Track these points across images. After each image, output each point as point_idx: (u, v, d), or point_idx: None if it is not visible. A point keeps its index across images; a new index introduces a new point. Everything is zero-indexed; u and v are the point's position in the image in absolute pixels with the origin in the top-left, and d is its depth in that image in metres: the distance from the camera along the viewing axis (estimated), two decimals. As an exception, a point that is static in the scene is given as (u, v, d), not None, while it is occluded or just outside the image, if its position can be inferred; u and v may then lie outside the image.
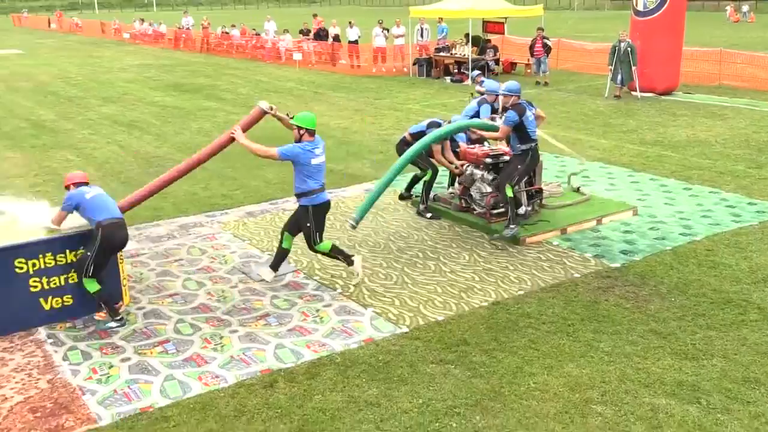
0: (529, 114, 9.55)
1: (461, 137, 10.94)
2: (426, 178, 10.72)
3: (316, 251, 8.51)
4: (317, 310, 7.81)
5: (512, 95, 9.63)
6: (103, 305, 7.56)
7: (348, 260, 8.48)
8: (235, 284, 8.55)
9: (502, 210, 10.06)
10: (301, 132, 8.16)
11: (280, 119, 8.62)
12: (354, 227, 9.10)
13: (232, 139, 8.36)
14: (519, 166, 9.66)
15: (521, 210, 9.84)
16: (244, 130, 8.39)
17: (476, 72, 16.39)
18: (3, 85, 26.65)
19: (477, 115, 11.00)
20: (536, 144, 9.77)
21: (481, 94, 11.40)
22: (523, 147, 9.59)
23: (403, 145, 10.73)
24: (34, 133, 17.73)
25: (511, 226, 9.54)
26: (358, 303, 7.97)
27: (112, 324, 7.54)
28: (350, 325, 7.44)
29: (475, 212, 10.25)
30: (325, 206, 8.45)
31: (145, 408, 6.07)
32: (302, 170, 8.16)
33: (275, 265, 8.58)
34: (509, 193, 9.45)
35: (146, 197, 8.86)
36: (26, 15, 74.67)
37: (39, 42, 47.99)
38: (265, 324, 7.54)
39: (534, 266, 8.84)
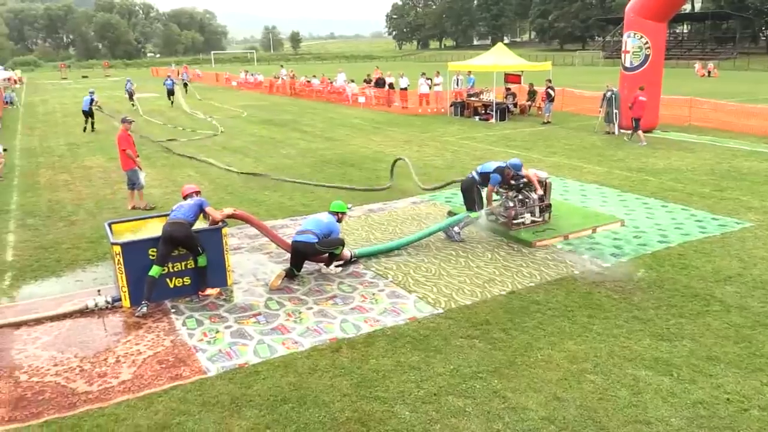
0: None
1: (495, 178, 9.66)
2: (472, 215, 9.79)
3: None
4: (373, 294, 7.78)
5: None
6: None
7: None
8: (311, 272, 8.56)
9: (522, 220, 9.94)
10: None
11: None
12: (351, 260, 8.76)
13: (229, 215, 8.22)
14: None
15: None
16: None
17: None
18: (143, 120, 27.28)
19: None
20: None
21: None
22: None
23: (473, 185, 9.82)
24: (165, 155, 18.09)
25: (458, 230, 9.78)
26: (405, 289, 7.91)
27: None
28: (398, 306, 7.39)
29: (498, 222, 10.10)
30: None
31: (242, 364, 6.12)
32: None
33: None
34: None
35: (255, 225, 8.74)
36: (173, 67, 76.49)
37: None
38: (333, 303, 7.53)
39: (542, 264, 8.68)
